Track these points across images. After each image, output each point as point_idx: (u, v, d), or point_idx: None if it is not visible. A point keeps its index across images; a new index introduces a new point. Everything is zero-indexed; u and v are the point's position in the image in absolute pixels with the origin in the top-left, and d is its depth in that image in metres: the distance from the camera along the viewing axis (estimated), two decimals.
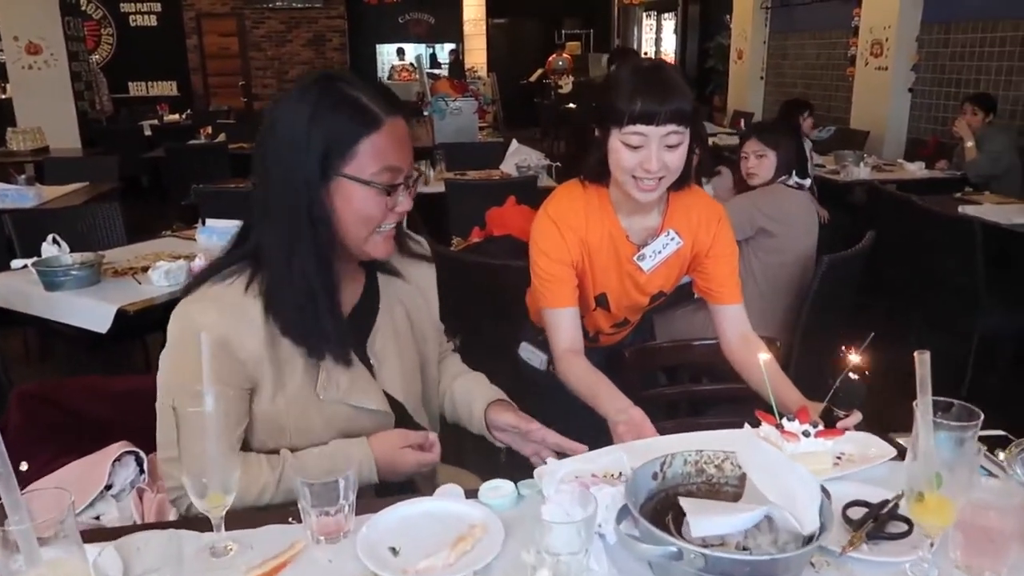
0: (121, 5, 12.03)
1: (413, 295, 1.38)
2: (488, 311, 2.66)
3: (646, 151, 1.43)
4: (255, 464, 1.17)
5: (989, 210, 3.80)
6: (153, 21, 12.23)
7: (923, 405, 0.90)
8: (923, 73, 6.39)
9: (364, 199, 1.14)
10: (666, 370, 2.79)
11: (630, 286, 1.69)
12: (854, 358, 1.14)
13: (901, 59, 6.42)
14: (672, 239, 1.64)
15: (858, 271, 2.82)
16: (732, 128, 7.84)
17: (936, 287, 3.54)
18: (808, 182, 2.75)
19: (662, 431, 1.32)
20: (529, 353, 1.97)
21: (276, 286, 1.15)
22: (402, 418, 1.33)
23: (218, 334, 1.11)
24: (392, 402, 1.31)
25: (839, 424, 1.22)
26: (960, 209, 3.84)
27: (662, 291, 1.74)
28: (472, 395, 1.44)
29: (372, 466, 1.21)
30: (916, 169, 5.20)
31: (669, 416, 2.00)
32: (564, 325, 1.58)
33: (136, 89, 12.19)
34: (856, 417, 1.24)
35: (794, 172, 2.70)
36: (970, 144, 4.76)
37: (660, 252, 1.64)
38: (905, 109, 6.55)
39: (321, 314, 1.16)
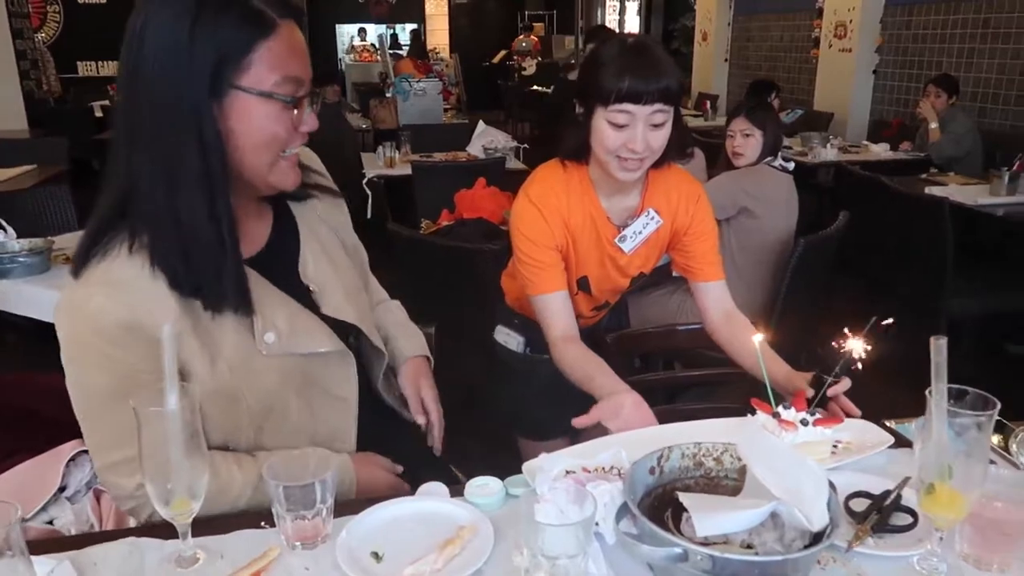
0: None
1: (332, 212, 1.27)
2: (462, 295, 2.59)
3: (631, 130, 1.39)
4: (223, 466, 1.05)
5: (955, 191, 3.83)
6: None
7: (937, 393, 0.86)
8: (886, 55, 6.44)
9: (266, 115, 0.98)
10: (641, 356, 2.76)
11: (611, 268, 1.65)
12: (856, 344, 1.10)
13: (865, 41, 6.45)
14: (652, 219, 1.60)
15: (832, 252, 2.82)
16: (697, 110, 7.83)
17: (904, 268, 3.55)
18: (791, 165, 2.72)
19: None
20: (505, 336, 1.91)
21: (157, 233, 0.98)
22: (360, 344, 1.23)
23: (119, 320, 0.96)
24: (344, 329, 1.18)
25: (831, 392, 1.19)
26: (927, 190, 3.85)
27: (642, 272, 1.70)
28: (397, 340, 1.40)
29: (353, 480, 1.15)
30: (881, 150, 5.23)
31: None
32: (556, 309, 1.52)
33: (85, 69, 11.75)
34: (846, 383, 1.22)
35: (780, 155, 2.68)
36: (934, 126, 4.79)
37: (640, 232, 1.60)
38: (868, 91, 6.59)
39: (214, 257, 0.99)
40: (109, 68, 11.80)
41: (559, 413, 1.32)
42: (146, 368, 0.98)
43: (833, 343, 1.15)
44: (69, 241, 2.90)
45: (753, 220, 2.59)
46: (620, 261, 1.63)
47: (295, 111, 1.01)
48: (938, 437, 0.87)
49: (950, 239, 3.12)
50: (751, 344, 1.20)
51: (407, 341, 1.43)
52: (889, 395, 2.53)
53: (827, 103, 6.78)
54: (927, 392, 0.87)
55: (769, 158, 2.68)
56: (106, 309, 0.97)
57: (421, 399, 1.36)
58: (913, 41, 6.14)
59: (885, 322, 1.12)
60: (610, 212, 1.58)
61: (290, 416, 1.12)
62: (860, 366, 1.14)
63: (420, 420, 1.34)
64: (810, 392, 1.19)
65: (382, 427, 1.30)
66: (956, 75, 5.35)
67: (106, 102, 8.29)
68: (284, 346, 1.08)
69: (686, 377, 1.92)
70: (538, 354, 1.75)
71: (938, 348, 0.86)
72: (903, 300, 3.65)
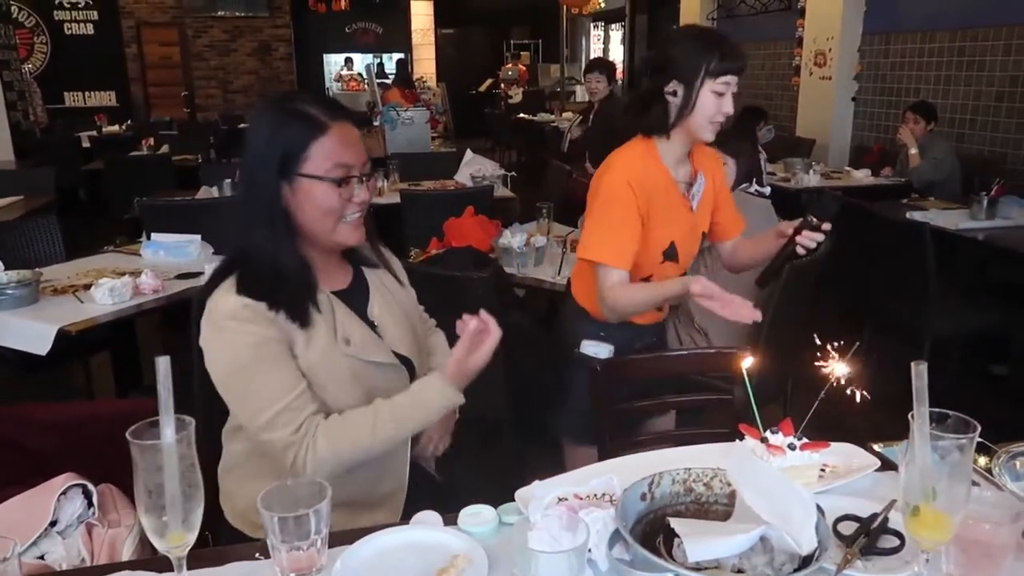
0: (55, 13, 11.59)
1: (393, 283, 1.57)
2: (452, 323, 2.60)
3: (726, 97, 1.71)
4: (351, 417, 1.32)
5: (936, 215, 3.89)
6: (90, 29, 11.82)
7: (919, 417, 0.88)
8: (865, 82, 6.56)
9: (322, 193, 1.30)
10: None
11: (687, 230, 1.87)
12: (840, 368, 1.12)
13: (844, 69, 6.58)
14: (702, 180, 1.87)
15: (815, 277, 2.85)
16: None
17: (887, 292, 3.60)
18: (768, 190, 2.76)
19: (636, 446, 1.30)
20: (595, 348, 1.93)
21: (257, 272, 1.31)
22: (411, 375, 1.48)
23: (244, 304, 1.28)
24: (401, 359, 1.46)
25: (812, 233, 1.55)
26: (908, 215, 3.92)
27: (703, 232, 1.96)
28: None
29: (449, 388, 1.35)
30: (863, 176, 5.32)
31: (632, 429, 1.97)
32: (619, 282, 1.74)
33: (72, 99, 11.76)
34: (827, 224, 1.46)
35: (754, 180, 2.71)
36: (914, 151, 4.88)
37: (699, 192, 1.86)
38: (849, 117, 6.71)
39: (290, 283, 1.32)
40: (96, 99, 11.84)
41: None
42: (274, 337, 1.29)
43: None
44: (57, 272, 2.90)
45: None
46: (694, 222, 1.88)
47: (346, 188, 1.31)
48: (921, 460, 0.89)
49: (931, 263, 3.17)
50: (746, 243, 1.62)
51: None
52: (874, 419, 2.57)
53: (809, 129, 6.89)
54: (910, 416, 0.89)
55: (744, 184, 2.71)
56: (234, 301, 1.29)
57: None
58: (891, 69, 6.26)
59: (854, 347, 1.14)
60: (676, 178, 1.83)
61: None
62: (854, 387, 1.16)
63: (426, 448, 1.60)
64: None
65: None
66: (934, 101, 5.47)
67: (93, 132, 8.30)
68: (356, 351, 1.38)
69: (675, 403, 1.93)
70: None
71: (919, 373, 0.88)
72: (887, 324, 3.70)
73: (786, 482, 0.93)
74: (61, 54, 11.63)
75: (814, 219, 1.55)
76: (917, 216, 3.88)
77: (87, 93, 11.85)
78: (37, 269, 2.70)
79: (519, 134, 10.40)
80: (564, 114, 10.25)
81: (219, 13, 12.29)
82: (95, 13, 11.77)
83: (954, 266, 4.05)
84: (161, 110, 11.75)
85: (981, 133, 5.44)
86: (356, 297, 1.46)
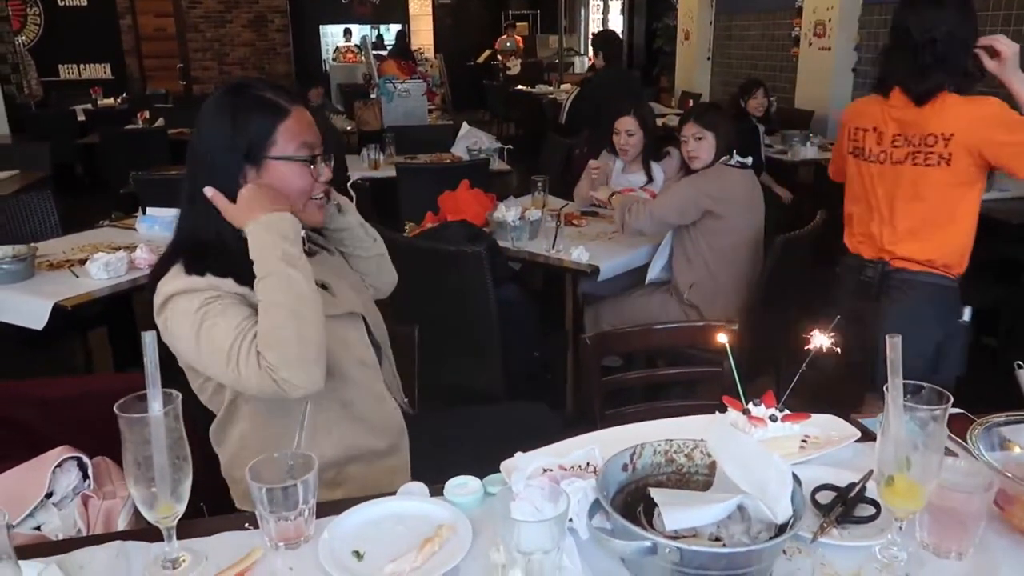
0: None
1: (330, 257, 1.57)
2: (445, 296, 2.62)
3: None
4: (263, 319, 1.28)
5: None
6: (83, 1, 11.70)
7: (894, 389, 0.90)
8: (865, 53, 6.50)
9: (292, 173, 1.35)
10: (623, 355, 2.80)
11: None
12: (822, 338, 1.13)
13: (844, 40, 6.51)
14: None
15: (808, 250, 2.86)
16: (680, 108, 7.89)
17: None
18: (750, 160, 2.75)
19: (625, 418, 1.32)
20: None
21: (209, 251, 1.32)
22: (367, 328, 1.51)
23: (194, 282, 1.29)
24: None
25: None
26: None
27: None
28: None
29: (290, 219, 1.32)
30: None
31: (627, 401, 1.99)
32: None
33: (67, 72, 11.66)
34: None
35: (734, 152, 2.70)
36: None
37: None
38: (848, 89, 6.66)
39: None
40: (91, 71, 11.73)
41: None
42: (223, 292, 1.29)
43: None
44: (52, 247, 2.90)
45: (719, 221, 2.61)
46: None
47: (312, 167, 1.36)
48: (895, 431, 0.91)
49: None
50: None
51: None
52: (861, 386, 2.58)
53: (808, 101, 6.84)
54: (884, 388, 0.91)
55: (724, 158, 2.70)
56: (182, 281, 1.29)
57: None
58: None
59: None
60: None
61: (340, 367, 1.40)
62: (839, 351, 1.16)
63: None
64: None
65: None
66: None
67: (88, 106, 8.24)
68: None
69: (664, 375, 1.95)
70: None
71: (893, 345, 0.90)
72: None
73: (763, 453, 0.95)
74: (55, 26, 11.49)
75: None
76: None
77: (82, 66, 11.74)
78: (32, 244, 2.71)
79: (517, 106, 10.32)
80: (562, 86, 10.17)
81: None
82: None
83: None
84: (157, 83, 11.64)
85: None
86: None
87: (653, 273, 2.79)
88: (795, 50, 7.16)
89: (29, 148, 5.33)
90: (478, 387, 2.65)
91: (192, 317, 1.27)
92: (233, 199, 1.32)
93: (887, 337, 0.90)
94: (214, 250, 1.33)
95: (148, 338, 0.91)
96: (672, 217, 2.67)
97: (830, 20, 6.57)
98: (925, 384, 0.93)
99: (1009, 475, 0.99)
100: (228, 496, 1.51)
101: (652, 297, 2.74)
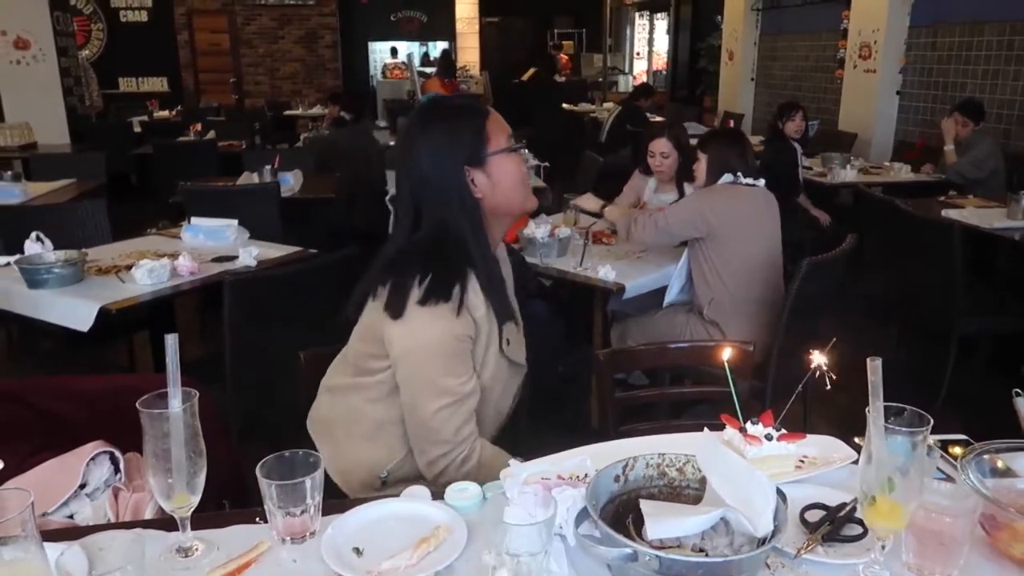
0: (112, 0, 11.97)
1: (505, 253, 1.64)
2: None
3: None
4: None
5: (971, 214, 3.83)
6: (144, 17, 12.17)
7: (875, 411, 0.92)
8: (910, 76, 6.44)
9: (513, 163, 1.42)
10: (647, 372, 2.82)
11: None
12: (819, 358, 1.16)
13: (889, 62, 6.46)
14: None
15: (839, 273, 2.85)
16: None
17: (917, 290, 3.57)
18: (762, 182, 2.75)
19: (639, 434, 1.35)
20: None
21: (471, 277, 1.37)
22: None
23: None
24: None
25: None
26: (943, 213, 3.87)
27: None
28: None
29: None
30: (902, 172, 5.23)
31: (649, 418, 2.02)
32: None
33: (126, 85, 12.14)
34: None
35: (739, 174, 2.69)
36: (949, 148, 4.80)
37: None
38: (893, 111, 6.59)
39: (500, 284, 1.43)
40: (149, 84, 12.19)
41: None
42: (463, 334, 1.36)
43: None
44: (102, 253, 3.05)
45: (727, 237, 2.60)
46: None
47: (523, 154, 1.46)
48: (877, 453, 0.93)
49: (959, 262, 3.13)
50: None
51: None
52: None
53: (852, 123, 6.78)
54: (867, 410, 0.93)
55: (729, 179, 2.70)
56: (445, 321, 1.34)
57: None
58: (937, 62, 6.13)
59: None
60: None
61: (483, 411, 1.45)
62: (832, 376, 1.18)
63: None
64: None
65: None
66: (980, 96, 5.35)
67: (144, 118, 8.56)
68: (510, 352, 1.47)
69: (676, 393, 1.98)
70: None
71: (874, 368, 0.92)
72: (915, 321, 3.67)
73: (749, 470, 0.98)
74: (116, 41, 12.01)
75: None
76: (952, 214, 3.82)
77: (140, 79, 12.22)
78: (83, 250, 2.84)
79: (561, 124, 10.38)
80: (605, 104, 10.23)
81: (268, 1, 12.53)
82: (149, 1, 12.10)
83: (990, 266, 3.98)
84: (211, 96, 12.04)
85: None
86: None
87: (671, 296, 2.82)
88: (839, 71, 7.12)
89: (87, 158, 5.57)
90: None
91: (431, 340, 1.34)
92: (465, 202, 1.37)
93: (868, 360, 0.93)
94: (483, 278, 1.37)
95: (171, 340, 0.99)
96: (675, 228, 2.69)
97: (876, 42, 6.52)
98: (907, 407, 0.96)
99: (994, 500, 1.00)
100: (250, 495, 1.58)
101: (676, 316, 2.76)
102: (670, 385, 2.56)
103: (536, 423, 2.86)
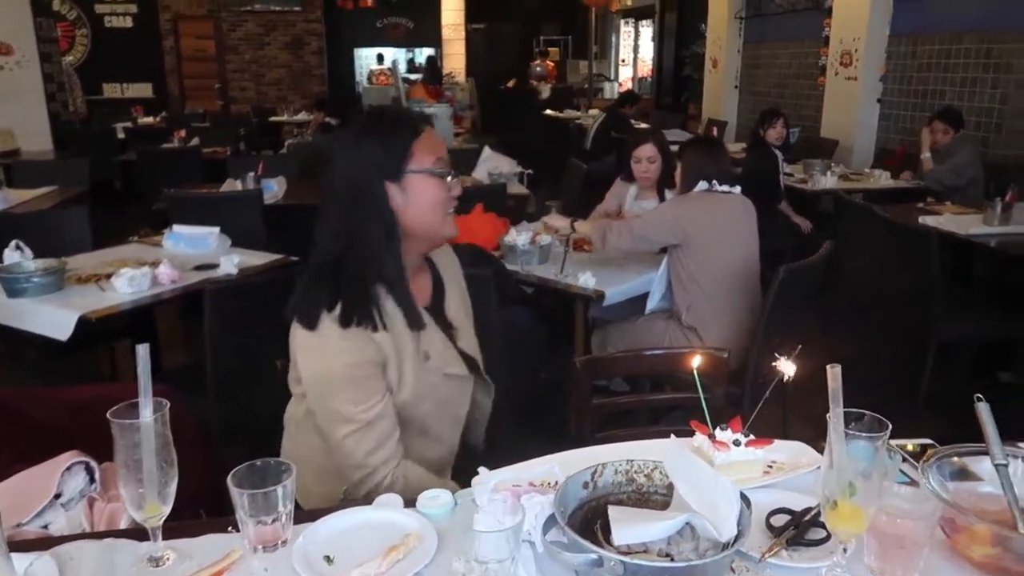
0: (96, 6, 11.93)
1: (454, 261, 1.69)
2: None
3: None
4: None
5: (948, 220, 3.88)
6: (128, 22, 12.14)
7: (835, 417, 0.94)
8: (891, 84, 6.51)
9: (431, 186, 1.42)
10: (627, 379, 2.84)
11: None
12: (785, 365, 1.18)
13: (870, 70, 6.54)
14: None
15: (817, 279, 2.88)
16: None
17: (896, 295, 3.61)
18: (738, 189, 2.78)
19: (616, 440, 1.38)
20: None
21: (358, 287, 1.38)
22: (476, 377, 1.59)
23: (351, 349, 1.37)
24: (469, 362, 1.56)
25: None
26: (921, 219, 3.91)
27: None
28: None
29: None
30: (882, 178, 5.29)
31: (629, 424, 2.04)
32: None
33: (111, 91, 12.09)
34: None
35: (715, 181, 2.72)
36: (926, 155, 4.86)
37: None
38: (874, 118, 6.67)
39: (405, 292, 1.43)
40: (133, 90, 12.16)
41: None
42: (371, 359, 1.38)
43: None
44: (83, 262, 3.03)
45: (703, 243, 2.63)
46: None
47: (446, 180, 1.43)
48: (838, 458, 0.95)
49: (936, 268, 3.18)
50: None
51: None
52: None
53: (833, 130, 6.85)
54: (828, 416, 0.95)
55: (704, 186, 2.73)
56: (336, 332, 1.35)
57: None
58: (917, 70, 6.21)
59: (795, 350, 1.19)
60: None
61: (427, 424, 1.49)
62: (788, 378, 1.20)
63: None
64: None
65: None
66: (959, 104, 5.42)
67: (128, 124, 8.53)
68: (434, 365, 1.47)
69: (653, 400, 2.00)
70: None
71: (833, 375, 0.94)
72: (895, 327, 3.71)
73: (715, 476, 1.00)
74: (101, 46, 11.97)
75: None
76: (930, 221, 3.87)
77: (125, 85, 12.18)
78: (63, 258, 2.83)
79: (545, 130, 10.42)
80: (590, 111, 10.28)
81: (254, 7, 12.53)
82: (134, 6, 12.09)
83: (967, 272, 4.03)
84: (196, 102, 12.01)
85: (1008, 137, 5.37)
86: (437, 305, 1.56)
87: (652, 303, 2.84)
88: (821, 79, 7.19)
89: (69, 164, 5.54)
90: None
91: (332, 367, 1.36)
92: (383, 216, 1.38)
93: (828, 367, 0.95)
94: (370, 286, 1.39)
95: (141, 351, 0.99)
96: (651, 234, 2.72)
97: (856, 50, 6.60)
98: (867, 412, 0.98)
99: (953, 503, 1.02)
100: (227, 505, 1.58)
101: (656, 322, 2.79)
102: (650, 391, 2.60)
103: (520, 429, 2.89)
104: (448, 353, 1.51)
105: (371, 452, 1.38)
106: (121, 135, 7.87)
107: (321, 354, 1.37)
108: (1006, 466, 1.07)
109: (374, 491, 1.37)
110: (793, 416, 2.90)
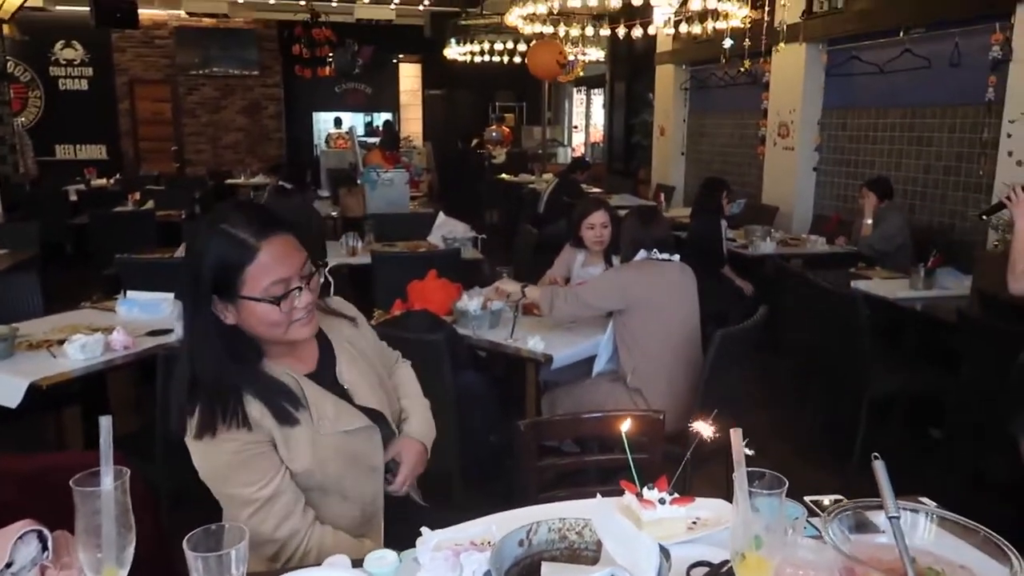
0: (51, 69, 11.94)
1: (354, 334, 1.67)
2: None
3: None
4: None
5: (877, 285, 4.11)
6: (84, 85, 12.16)
7: (739, 476, 1.05)
8: (826, 154, 6.89)
9: (263, 312, 1.40)
10: (576, 440, 2.92)
11: None
12: (702, 427, 1.29)
13: (805, 140, 6.91)
14: None
15: (753, 342, 3.03)
16: (654, 201, 8.21)
17: (830, 356, 3.79)
18: (677, 256, 2.94)
19: (555, 499, 1.47)
20: None
21: (216, 398, 1.40)
22: (384, 426, 1.60)
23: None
24: (372, 414, 1.57)
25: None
26: (852, 283, 4.14)
27: None
28: (409, 420, 1.76)
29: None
30: (818, 244, 5.56)
31: (579, 484, 2.12)
32: None
33: (63, 152, 12.01)
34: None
35: (655, 250, 2.89)
36: (868, 222, 5.14)
37: None
38: (811, 186, 7.02)
39: (264, 392, 1.43)
40: (87, 152, 12.10)
41: None
42: (252, 440, 1.40)
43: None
44: (34, 328, 3.04)
45: (645, 310, 2.78)
46: None
47: (285, 302, 1.40)
48: (743, 513, 1.05)
49: (865, 330, 3.37)
50: None
51: (416, 423, 1.77)
52: (816, 473, 2.68)
53: (773, 197, 7.19)
54: (733, 476, 1.06)
55: (643, 255, 2.88)
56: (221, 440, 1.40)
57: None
58: (849, 141, 6.60)
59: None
60: None
61: (342, 483, 1.51)
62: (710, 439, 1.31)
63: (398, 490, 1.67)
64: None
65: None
66: (887, 173, 5.76)
67: (82, 186, 8.49)
68: (330, 427, 1.48)
69: (592, 462, 2.08)
70: None
71: (736, 438, 1.05)
72: (831, 384, 3.89)
73: (636, 532, 1.09)
74: (55, 108, 11.93)
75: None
76: (861, 285, 4.10)
77: (78, 146, 12.12)
78: (13, 325, 2.84)
79: (500, 195, 10.68)
80: (544, 175, 10.56)
81: (212, 71, 12.67)
82: (90, 70, 12.12)
83: (898, 333, 4.25)
84: (151, 164, 12.02)
85: (932, 204, 5.73)
86: (325, 370, 1.56)
87: (599, 366, 2.96)
88: (761, 148, 7.56)
89: (20, 228, 5.51)
90: (433, 471, 2.76)
91: (217, 463, 1.40)
92: (219, 332, 1.40)
93: (732, 431, 1.06)
94: (227, 395, 1.39)
95: (104, 422, 1.06)
96: (595, 300, 2.86)
97: (793, 122, 6.98)
98: (767, 471, 1.09)
99: (849, 555, 1.13)
100: (174, 569, 1.61)
101: (602, 385, 2.90)
102: (600, 451, 2.69)
103: (470, 491, 2.93)
104: (343, 411, 1.52)
105: (278, 526, 1.42)
106: (74, 197, 7.85)
107: (205, 450, 1.40)
108: (898, 519, 1.19)
109: (291, 562, 1.42)
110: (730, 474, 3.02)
